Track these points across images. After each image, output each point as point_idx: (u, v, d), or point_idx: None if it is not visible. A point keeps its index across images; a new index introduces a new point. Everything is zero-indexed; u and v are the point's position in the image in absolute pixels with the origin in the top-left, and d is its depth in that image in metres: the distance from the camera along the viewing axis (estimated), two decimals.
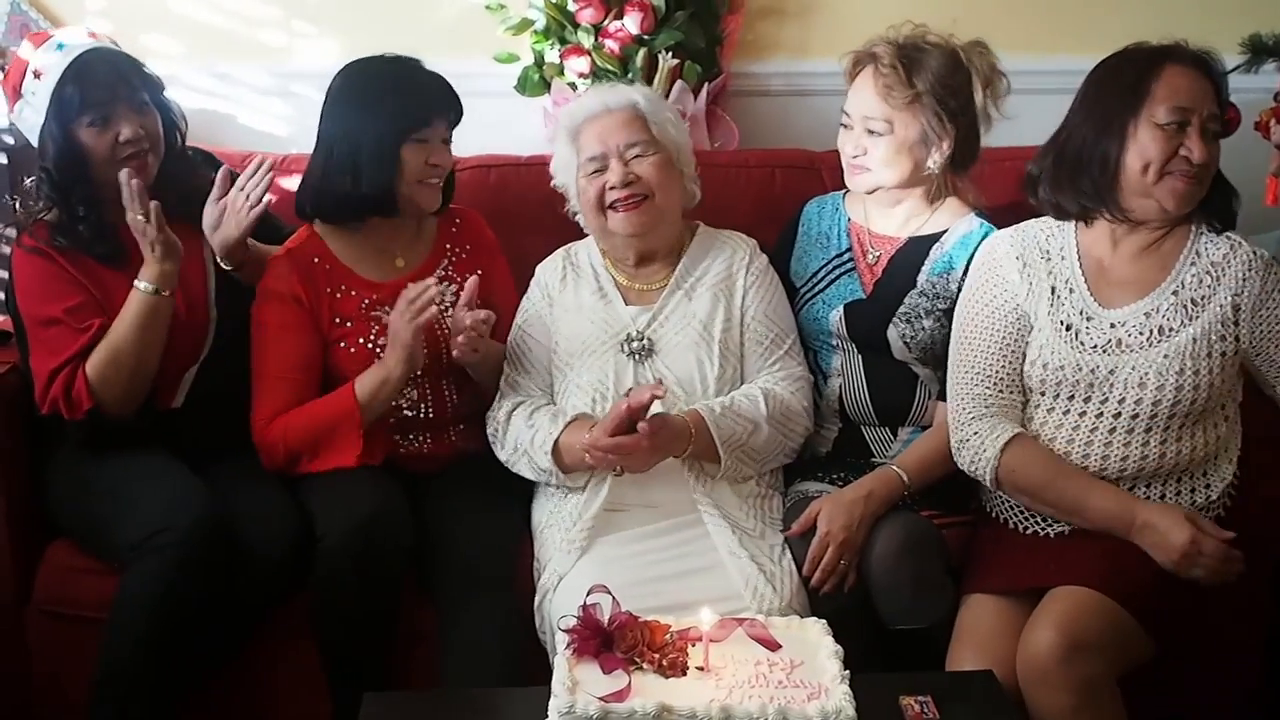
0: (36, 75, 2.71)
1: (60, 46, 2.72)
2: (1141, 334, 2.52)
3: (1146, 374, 2.49)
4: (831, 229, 2.93)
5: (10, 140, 3.10)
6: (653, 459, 2.61)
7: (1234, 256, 2.52)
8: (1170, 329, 2.51)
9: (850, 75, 2.82)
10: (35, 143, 2.77)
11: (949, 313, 2.74)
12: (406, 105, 2.77)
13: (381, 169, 2.75)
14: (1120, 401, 2.51)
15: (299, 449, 2.74)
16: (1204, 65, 2.51)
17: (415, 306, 2.66)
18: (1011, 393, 2.61)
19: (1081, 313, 2.56)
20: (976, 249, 2.75)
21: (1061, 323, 2.57)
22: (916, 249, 2.83)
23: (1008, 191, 3.05)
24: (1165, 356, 2.49)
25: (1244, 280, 2.51)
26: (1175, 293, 2.53)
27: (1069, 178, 2.57)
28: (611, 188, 2.74)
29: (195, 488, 2.70)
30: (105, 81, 2.71)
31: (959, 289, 2.74)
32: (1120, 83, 2.52)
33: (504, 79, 3.37)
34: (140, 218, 2.66)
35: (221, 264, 2.84)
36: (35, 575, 2.83)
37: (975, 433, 2.59)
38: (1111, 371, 2.51)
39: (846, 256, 2.89)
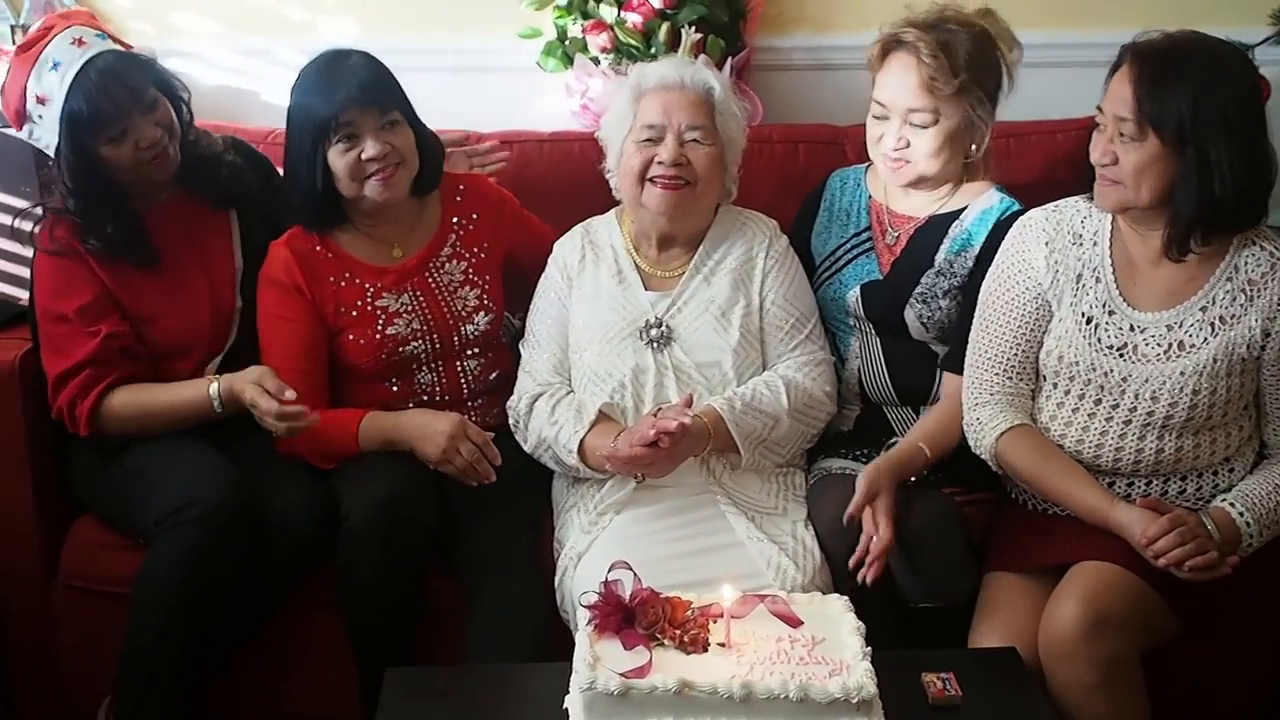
0: (40, 101, 2.63)
1: (55, 66, 2.61)
2: (1160, 345, 2.46)
3: (1160, 388, 2.44)
4: (853, 205, 2.91)
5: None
6: (673, 465, 2.59)
7: (1273, 277, 2.43)
8: (1191, 345, 2.44)
9: (878, 62, 2.75)
10: (53, 156, 2.70)
11: (965, 289, 2.71)
12: (316, 110, 2.67)
13: (312, 180, 2.71)
14: (1131, 409, 2.47)
15: (309, 455, 2.74)
16: (1136, 63, 2.37)
17: (462, 460, 2.65)
18: (1021, 381, 2.59)
19: (1104, 305, 2.50)
20: (996, 224, 2.73)
21: (1082, 314, 2.51)
22: (936, 228, 2.80)
23: (1031, 168, 3.03)
24: (1181, 373, 2.43)
25: (1279, 306, 2.43)
26: (1204, 309, 2.45)
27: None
28: (659, 162, 2.69)
29: (220, 464, 2.70)
30: (113, 94, 2.62)
31: (975, 264, 2.71)
32: None
33: (526, 55, 3.36)
34: (281, 424, 2.59)
35: None
36: (61, 550, 2.85)
37: (978, 418, 2.59)
38: (1124, 378, 2.47)
39: (865, 236, 2.86)
